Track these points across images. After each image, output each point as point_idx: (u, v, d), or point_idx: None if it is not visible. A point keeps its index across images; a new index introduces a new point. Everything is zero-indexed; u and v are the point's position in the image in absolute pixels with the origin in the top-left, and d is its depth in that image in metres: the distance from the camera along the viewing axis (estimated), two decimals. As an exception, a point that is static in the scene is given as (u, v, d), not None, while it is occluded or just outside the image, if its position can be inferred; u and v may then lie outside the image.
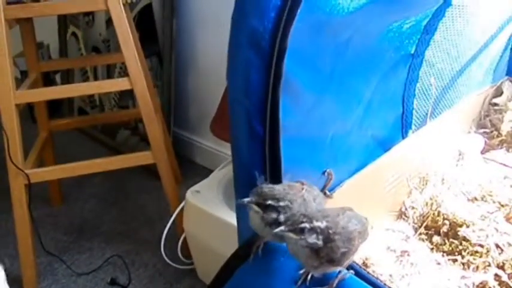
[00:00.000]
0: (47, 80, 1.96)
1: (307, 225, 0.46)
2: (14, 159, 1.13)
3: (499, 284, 0.70)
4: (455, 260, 0.76)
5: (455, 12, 0.87)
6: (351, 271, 0.55)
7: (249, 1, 0.55)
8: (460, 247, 0.77)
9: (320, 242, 0.46)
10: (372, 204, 0.81)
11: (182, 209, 1.21)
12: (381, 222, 0.84)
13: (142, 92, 1.19)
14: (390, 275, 0.73)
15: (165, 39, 1.66)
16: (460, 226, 0.79)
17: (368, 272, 0.57)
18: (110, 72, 1.91)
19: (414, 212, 0.85)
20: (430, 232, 0.82)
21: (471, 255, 0.75)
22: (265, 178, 0.58)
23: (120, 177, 1.68)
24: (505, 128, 1.04)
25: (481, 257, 0.74)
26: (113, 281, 1.27)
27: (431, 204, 0.85)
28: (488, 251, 0.74)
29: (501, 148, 1.01)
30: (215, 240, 1.10)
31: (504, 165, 0.95)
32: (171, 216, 1.24)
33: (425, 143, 0.91)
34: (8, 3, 1.12)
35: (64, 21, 2.03)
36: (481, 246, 0.75)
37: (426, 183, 0.90)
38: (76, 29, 2.01)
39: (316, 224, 0.46)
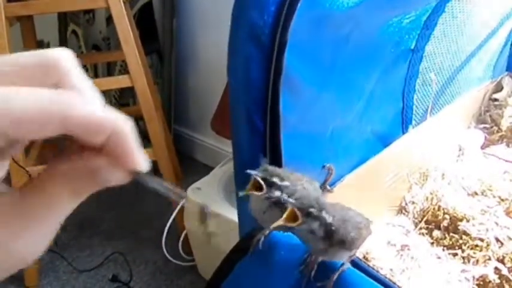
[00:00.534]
0: (48, 78, 1.96)
1: (314, 211, 0.45)
2: (15, 156, 1.14)
3: (499, 278, 0.71)
4: (455, 254, 0.76)
5: (456, 7, 0.87)
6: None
7: (249, -5, 0.55)
8: (460, 241, 0.77)
9: (321, 232, 0.46)
10: (372, 199, 0.81)
11: (183, 206, 1.21)
12: (381, 217, 0.84)
13: (143, 89, 1.19)
14: (391, 269, 0.73)
15: (165, 36, 1.66)
16: (460, 220, 0.80)
17: (369, 266, 0.57)
18: (110, 70, 1.91)
19: (414, 207, 0.85)
20: (430, 226, 0.82)
21: (471, 249, 0.75)
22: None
23: (121, 174, 1.69)
24: (505, 124, 1.04)
25: (481, 250, 0.74)
26: (114, 278, 1.28)
27: (432, 199, 0.85)
28: (488, 245, 0.75)
29: (501, 143, 1.02)
30: (216, 236, 1.11)
31: (504, 160, 0.95)
32: (172, 213, 1.24)
33: (426, 138, 0.91)
34: (9, 1, 1.12)
35: (64, 19, 2.03)
36: (481, 240, 0.76)
37: (426, 178, 0.90)
38: (76, 27, 2.01)
39: (324, 215, 0.46)
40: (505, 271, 0.71)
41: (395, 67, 0.86)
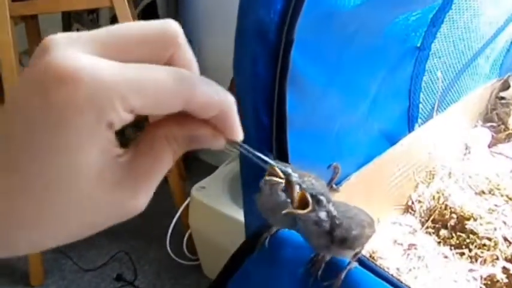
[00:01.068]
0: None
1: (324, 199, 0.45)
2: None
3: (507, 277, 0.70)
4: (462, 254, 0.75)
5: (462, 5, 0.87)
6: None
7: (255, -7, 0.55)
8: (468, 240, 0.76)
9: (327, 225, 0.46)
10: (378, 197, 0.81)
11: (187, 205, 1.21)
12: (388, 216, 0.83)
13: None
14: (397, 269, 0.72)
15: (169, 36, 1.66)
16: (468, 219, 0.79)
17: (376, 265, 0.57)
18: (114, 70, 1.91)
19: (421, 206, 0.85)
20: (437, 226, 0.82)
21: (479, 248, 0.75)
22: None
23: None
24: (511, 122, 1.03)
25: (488, 250, 0.74)
26: (119, 277, 1.28)
27: (439, 197, 0.84)
28: (496, 244, 0.74)
29: (508, 142, 1.01)
30: (221, 236, 1.11)
31: (511, 158, 0.95)
32: (177, 212, 1.24)
33: (432, 137, 0.90)
34: (13, 1, 1.12)
35: (68, 18, 2.03)
36: (489, 239, 0.75)
37: (433, 177, 0.89)
38: (80, 27, 2.01)
39: (331, 207, 0.46)
40: (513, 270, 0.70)
41: (402, 65, 0.86)
